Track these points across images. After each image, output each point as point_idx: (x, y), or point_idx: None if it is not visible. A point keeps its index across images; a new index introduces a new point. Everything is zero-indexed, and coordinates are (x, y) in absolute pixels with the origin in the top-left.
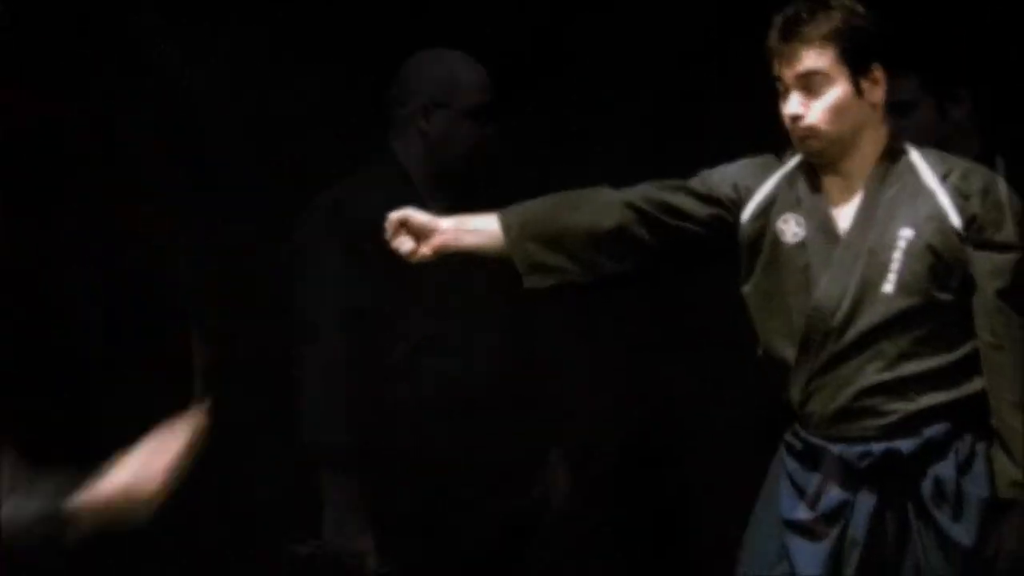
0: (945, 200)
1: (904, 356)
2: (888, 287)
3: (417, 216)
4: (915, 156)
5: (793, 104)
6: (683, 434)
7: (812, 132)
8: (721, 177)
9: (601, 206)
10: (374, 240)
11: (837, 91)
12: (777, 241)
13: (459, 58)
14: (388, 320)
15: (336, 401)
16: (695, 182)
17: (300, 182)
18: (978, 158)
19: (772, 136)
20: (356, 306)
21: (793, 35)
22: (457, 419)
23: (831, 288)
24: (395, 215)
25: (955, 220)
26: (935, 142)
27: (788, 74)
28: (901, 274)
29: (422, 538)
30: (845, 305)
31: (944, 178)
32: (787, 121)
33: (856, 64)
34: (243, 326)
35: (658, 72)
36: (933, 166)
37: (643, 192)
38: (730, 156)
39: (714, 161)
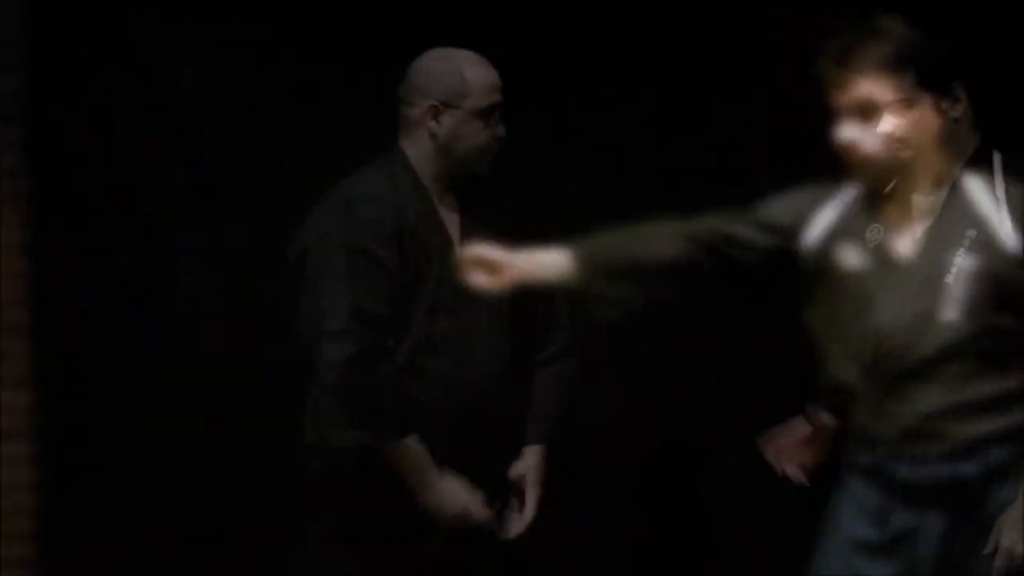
0: (1005, 224)
1: (967, 381)
2: (949, 313)
3: (490, 253)
4: (974, 180)
5: (847, 131)
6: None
7: (866, 159)
8: (781, 207)
9: (666, 239)
10: (383, 240)
11: (891, 119)
12: (838, 268)
13: (469, 58)
14: (397, 320)
15: (368, 385)
16: (755, 211)
17: (304, 181)
18: (976, 155)
19: (772, 136)
20: (369, 306)
21: (846, 62)
22: (462, 421)
23: (893, 314)
24: (469, 253)
25: (1014, 244)
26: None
27: (842, 101)
28: (961, 300)
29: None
30: (907, 331)
31: (1003, 202)
32: (840, 147)
33: (909, 92)
34: (247, 327)
35: (658, 72)
36: (992, 190)
37: (706, 224)
38: (730, 155)
39: (715, 160)
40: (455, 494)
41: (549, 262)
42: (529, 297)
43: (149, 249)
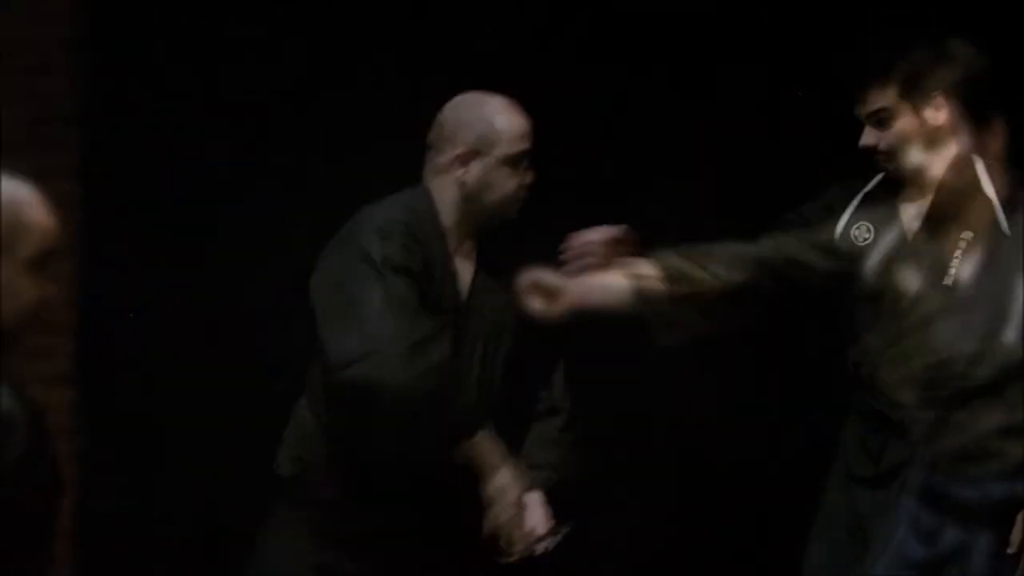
0: (998, 206)
1: (964, 337)
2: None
3: (547, 277)
4: (979, 168)
5: (866, 136)
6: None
7: (884, 158)
8: (814, 206)
9: (730, 262)
10: (414, 258)
11: (901, 122)
12: (898, 290)
13: (499, 104)
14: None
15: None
16: (817, 232)
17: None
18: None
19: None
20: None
21: (857, 80)
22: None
23: (953, 336)
24: (528, 277)
25: (1005, 225)
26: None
27: (860, 111)
28: (960, 269)
29: None
30: (967, 353)
31: (1001, 187)
32: (863, 149)
33: (915, 96)
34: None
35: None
36: (993, 176)
37: (770, 247)
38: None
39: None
40: (516, 481)
41: (608, 285)
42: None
43: (194, 253)
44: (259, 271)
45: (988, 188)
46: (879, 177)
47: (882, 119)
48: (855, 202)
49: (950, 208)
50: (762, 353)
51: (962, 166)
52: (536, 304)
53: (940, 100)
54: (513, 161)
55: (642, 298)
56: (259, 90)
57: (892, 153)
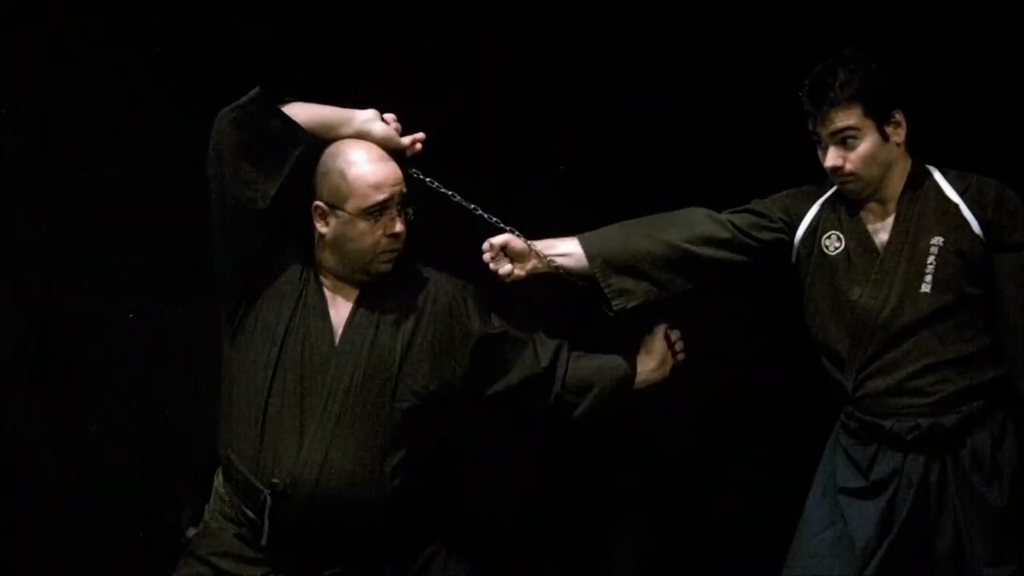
0: (966, 211)
1: (942, 344)
2: (926, 287)
3: (514, 241)
4: (937, 176)
5: (832, 157)
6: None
7: (850, 178)
8: (778, 205)
9: (675, 230)
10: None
11: (867, 141)
12: (824, 255)
13: (355, 156)
14: None
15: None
16: (756, 207)
17: None
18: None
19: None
20: None
21: (822, 100)
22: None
23: (876, 291)
24: (496, 240)
25: (976, 227)
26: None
27: (823, 132)
28: (936, 275)
29: None
30: (890, 304)
31: (964, 192)
32: (828, 170)
33: (880, 115)
34: None
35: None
36: (953, 183)
37: (713, 216)
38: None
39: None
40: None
41: (567, 250)
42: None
43: None
44: None
45: (951, 193)
46: (833, 188)
47: (847, 139)
48: (815, 208)
49: (916, 217)
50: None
51: (920, 176)
52: (503, 266)
53: (899, 116)
54: (369, 213)
55: (596, 268)
56: None
57: (857, 172)
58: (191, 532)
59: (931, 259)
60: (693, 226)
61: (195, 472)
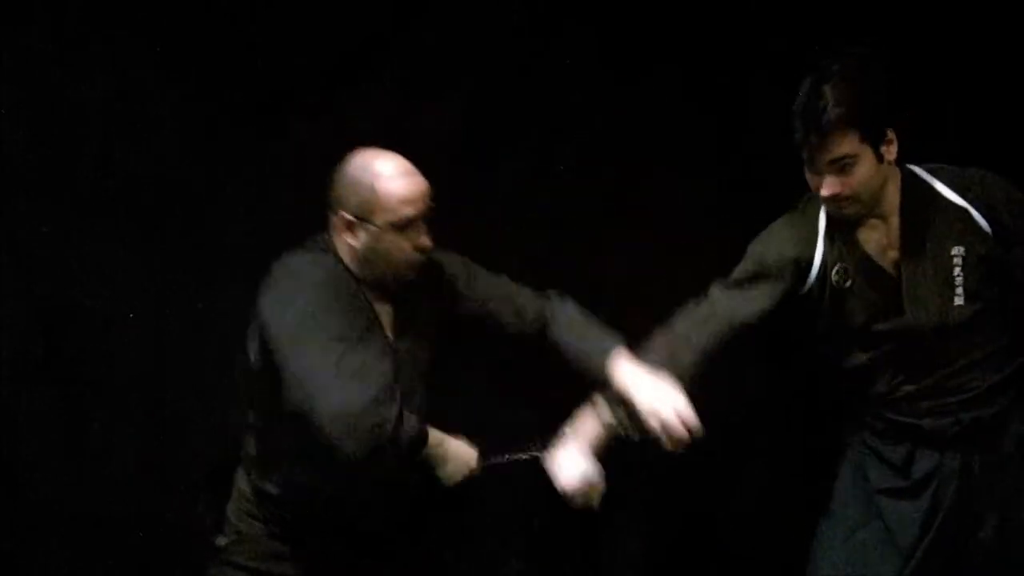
0: (976, 215)
1: (977, 344)
2: (959, 299)
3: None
4: (932, 180)
5: (829, 185)
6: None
7: (848, 203)
8: (786, 261)
9: (699, 345)
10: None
11: (864, 166)
12: (837, 288)
13: (386, 168)
14: None
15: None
16: (763, 268)
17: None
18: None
19: None
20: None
21: (815, 126)
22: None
23: (913, 309)
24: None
25: (987, 229)
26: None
27: (818, 161)
28: (966, 286)
29: None
30: (926, 321)
31: (966, 192)
32: (826, 199)
33: (875, 138)
34: None
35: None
36: (952, 185)
37: (729, 312)
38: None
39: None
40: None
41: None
42: None
43: None
44: None
45: (955, 198)
46: (823, 216)
47: (845, 166)
48: (819, 249)
49: (925, 227)
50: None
51: (914, 184)
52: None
53: (891, 134)
54: (399, 227)
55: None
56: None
57: (856, 196)
58: (222, 540)
59: (957, 270)
60: (715, 332)
61: (212, 472)
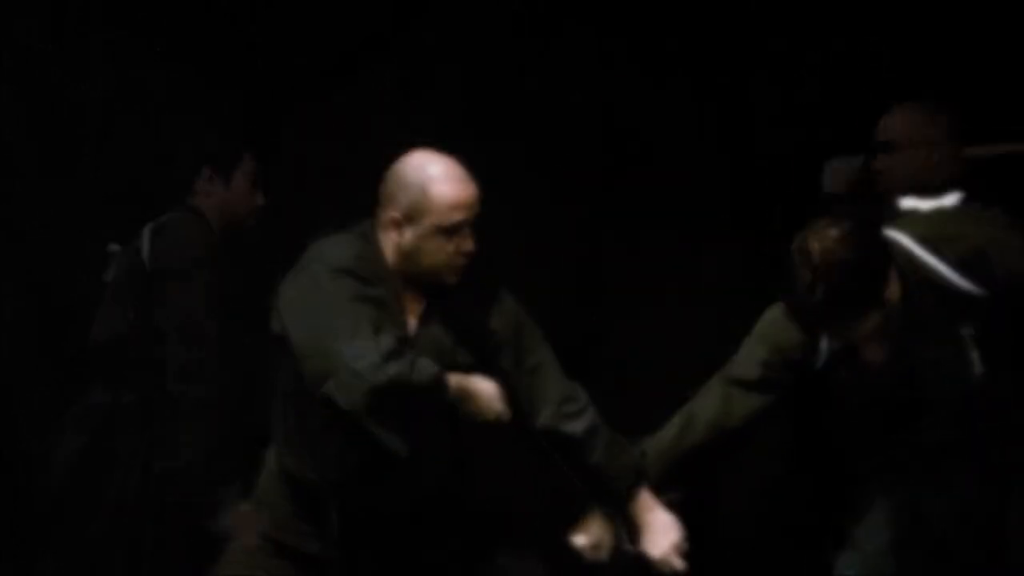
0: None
1: None
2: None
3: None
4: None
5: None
6: None
7: None
8: (782, 358)
9: (713, 441)
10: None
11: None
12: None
13: (439, 172)
14: None
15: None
16: (762, 370)
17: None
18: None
19: None
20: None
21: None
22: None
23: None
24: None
25: (965, 285)
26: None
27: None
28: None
29: None
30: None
31: (927, 254)
32: None
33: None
34: None
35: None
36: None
37: (739, 411)
38: None
39: None
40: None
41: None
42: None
43: None
44: None
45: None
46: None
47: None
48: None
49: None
50: None
51: None
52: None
53: None
54: (446, 231)
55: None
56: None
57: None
58: (243, 507)
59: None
60: (727, 427)
61: (245, 445)
